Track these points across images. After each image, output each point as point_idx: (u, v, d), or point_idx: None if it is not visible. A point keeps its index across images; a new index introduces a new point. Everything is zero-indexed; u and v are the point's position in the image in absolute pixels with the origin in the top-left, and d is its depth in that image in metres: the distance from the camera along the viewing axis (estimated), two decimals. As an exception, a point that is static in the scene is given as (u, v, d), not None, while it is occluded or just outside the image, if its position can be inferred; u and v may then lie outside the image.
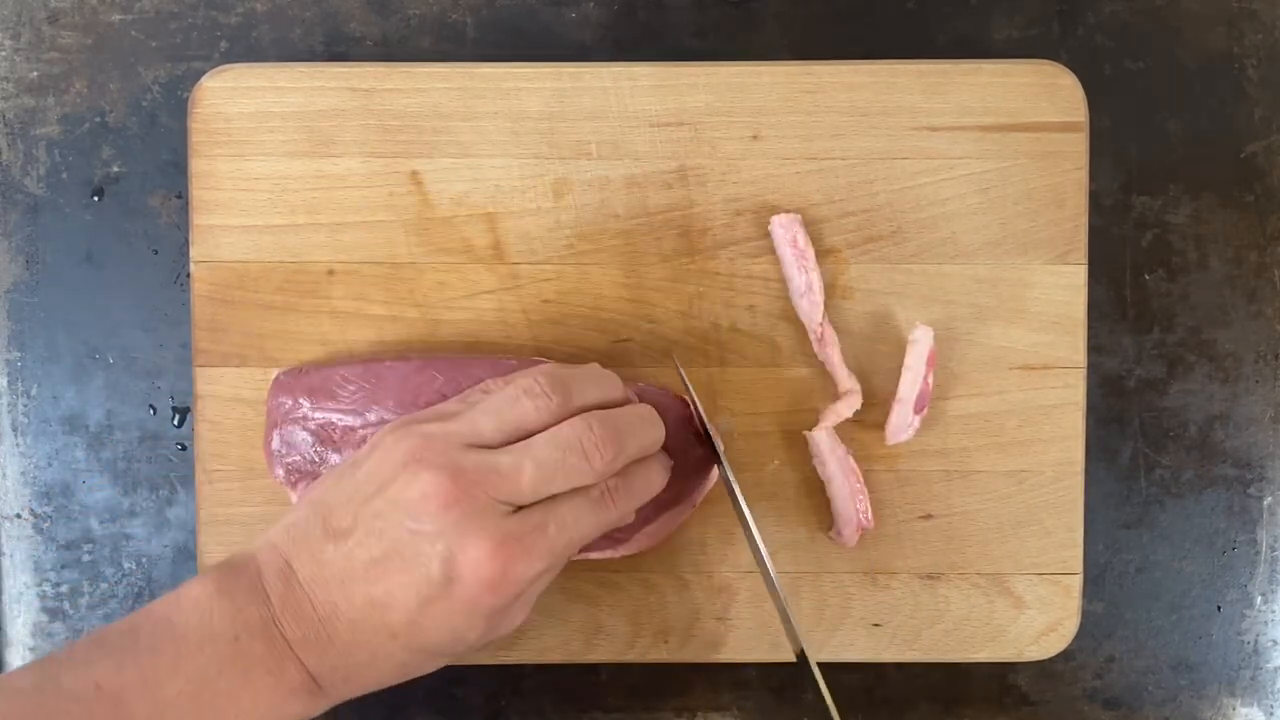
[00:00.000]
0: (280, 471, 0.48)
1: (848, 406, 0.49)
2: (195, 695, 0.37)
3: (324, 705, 0.41)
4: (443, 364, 0.47)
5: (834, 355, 0.49)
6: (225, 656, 0.38)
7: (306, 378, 0.48)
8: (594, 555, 0.48)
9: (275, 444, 0.48)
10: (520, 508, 0.40)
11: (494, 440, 0.41)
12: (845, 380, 0.49)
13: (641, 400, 0.47)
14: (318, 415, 0.47)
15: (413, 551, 0.39)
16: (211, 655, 0.38)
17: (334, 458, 0.47)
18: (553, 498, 0.41)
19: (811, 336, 0.49)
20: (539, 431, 0.41)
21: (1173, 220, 0.54)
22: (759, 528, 0.46)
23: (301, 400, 0.47)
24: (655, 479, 0.45)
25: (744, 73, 0.50)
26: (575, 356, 0.50)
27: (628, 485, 0.43)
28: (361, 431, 0.47)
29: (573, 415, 0.42)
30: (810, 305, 0.49)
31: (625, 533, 0.48)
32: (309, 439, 0.47)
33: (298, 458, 0.47)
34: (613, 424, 0.42)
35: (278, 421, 0.48)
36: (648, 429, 0.44)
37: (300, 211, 0.50)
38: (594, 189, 0.50)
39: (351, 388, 0.47)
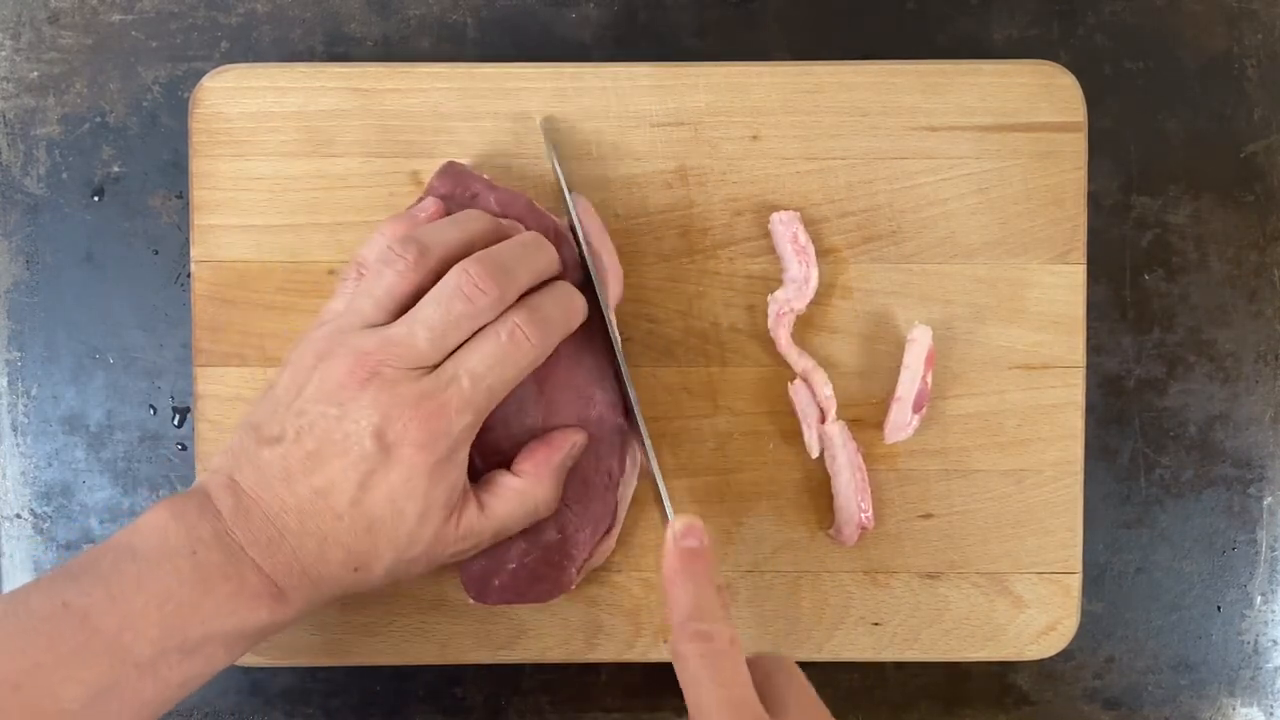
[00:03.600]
0: None
1: (799, 298, 0.49)
2: (159, 607, 0.39)
3: (290, 613, 0.41)
4: None
5: (783, 337, 0.49)
6: (184, 570, 0.39)
7: None
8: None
9: None
10: (434, 369, 0.42)
11: (380, 318, 0.42)
12: (797, 360, 0.49)
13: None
14: None
15: (342, 435, 0.41)
16: (171, 570, 0.39)
17: None
18: (461, 349, 0.42)
19: (771, 310, 0.49)
20: (414, 293, 0.42)
21: (1173, 220, 0.54)
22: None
23: None
24: (575, 304, 0.45)
25: (744, 73, 0.50)
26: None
27: (537, 316, 0.43)
28: None
29: (443, 263, 0.43)
30: (798, 296, 0.49)
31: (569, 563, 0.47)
32: None
33: None
34: (491, 259, 0.42)
35: None
36: (535, 254, 0.44)
37: (301, 211, 0.50)
38: (594, 189, 0.50)
39: None
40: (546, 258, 0.45)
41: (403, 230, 0.45)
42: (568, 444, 0.46)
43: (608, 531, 0.47)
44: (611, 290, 0.48)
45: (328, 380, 0.41)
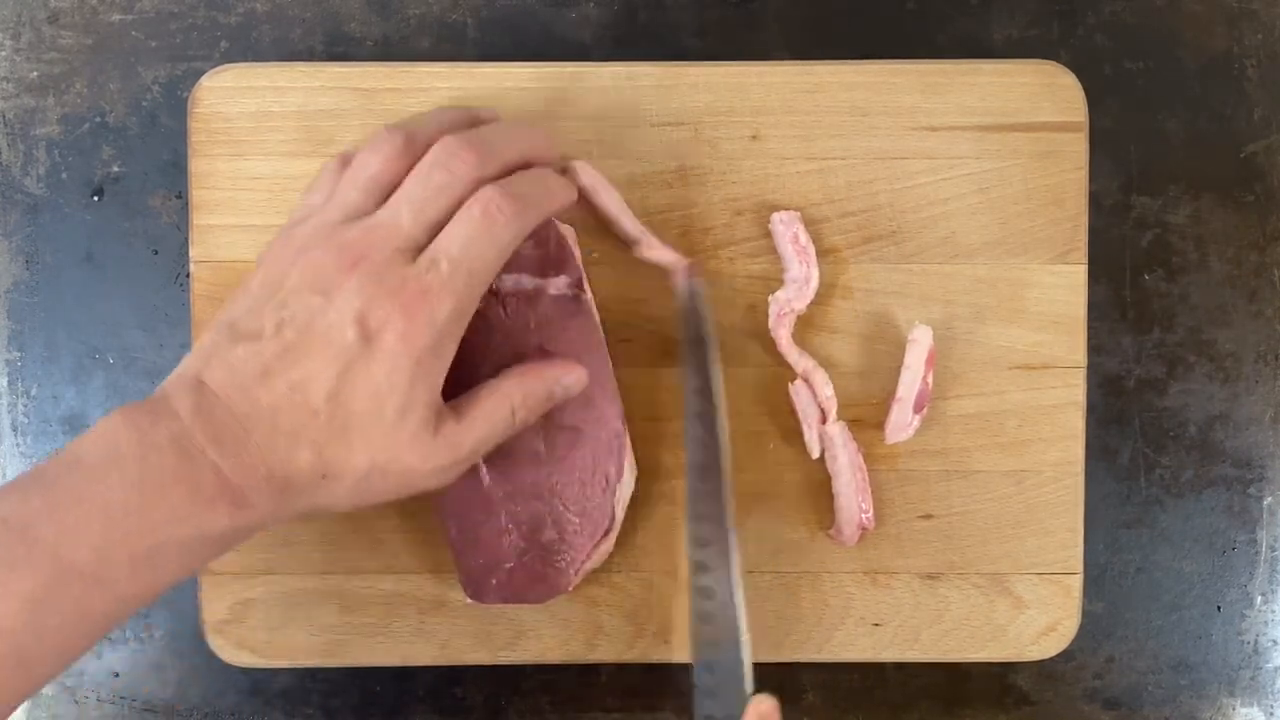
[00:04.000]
0: None
1: (799, 299, 0.49)
2: (104, 514, 0.37)
3: (253, 518, 0.39)
4: None
5: (784, 337, 0.49)
6: (132, 475, 0.37)
7: None
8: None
9: None
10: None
11: (366, 206, 0.41)
12: (798, 360, 0.49)
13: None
14: None
15: (324, 325, 0.39)
16: (119, 478, 0.37)
17: None
18: (440, 234, 0.41)
19: (771, 310, 0.49)
20: (399, 181, 0.42)
21: (1173, 220, 0.54)
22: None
23: None
24: (553, 185, 0.44)
25: (744, 73, 0.50)
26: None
27: (510, 190, 0.41)
28: None
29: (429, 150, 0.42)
30: (799, 296, 0.49)
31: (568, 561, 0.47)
32: None
33: None
34: (473, 134, 0.42)
35: None
36: (519, 131, 0.44)
37: (300, 211, 0.50)
38: (594, 189, 0.50)
39: None
40: (530, 138, 0.44)
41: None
42: (564, 368, 0.45)
43: (605, 534, 0.47)
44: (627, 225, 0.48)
45: (311, 269, 0.40)
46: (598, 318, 0.48)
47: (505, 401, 0.43)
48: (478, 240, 0.41)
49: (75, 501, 0.37)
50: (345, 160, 0.43)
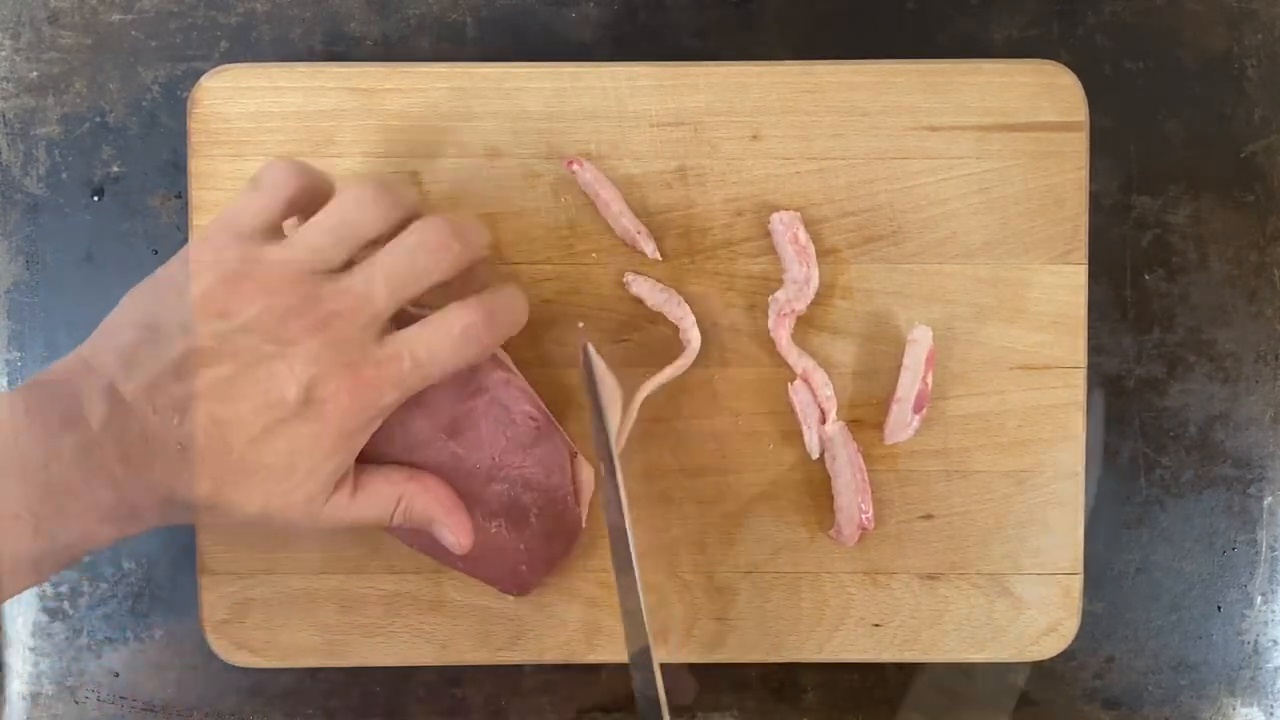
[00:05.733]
0: None
1: (800, 299, 0.49)
2: None
3: (134, 532, 0.40)
4: None
5: (784, 338, 0.49)
6: (30, 486, 0.37)
7: None
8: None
9: None
10: (381, 336, 0.41)
11: (336, 261, 0.41)
12: (797, 361, 0.49)
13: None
14: None
15: (268, 374, 0.39)
16: (16, 485, 0.37)
17: None
18: (411, 330, 0.41)
19: (771, 310, 0.49)
20: (377, 240, 0.41)
21: (1173, 220, 0.54)
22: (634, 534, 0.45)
23: None
24: (520, 309, 0.44)
25: (744, 73, 0.50)
26: (575, 357, 0.50)
27: (492, 316, 0.42)
28: None
29: (405, 220, 0.42)
30: (799, 296, 0.49)
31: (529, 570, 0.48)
32: None
33: None
34: (454, 224, 0.42)
35: None
36: (479, 231, 0.44)
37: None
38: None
39: None
40: (485, 237, 0.44)
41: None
42: (454, 525, 0.45)
43: (574, 457, 0.47)
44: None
45: (274, 315, 0.39)
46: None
47: (395, 497, 0.44)
48: (447, 353, 0.41)
49: None
50: (293, 171, 0.42)
